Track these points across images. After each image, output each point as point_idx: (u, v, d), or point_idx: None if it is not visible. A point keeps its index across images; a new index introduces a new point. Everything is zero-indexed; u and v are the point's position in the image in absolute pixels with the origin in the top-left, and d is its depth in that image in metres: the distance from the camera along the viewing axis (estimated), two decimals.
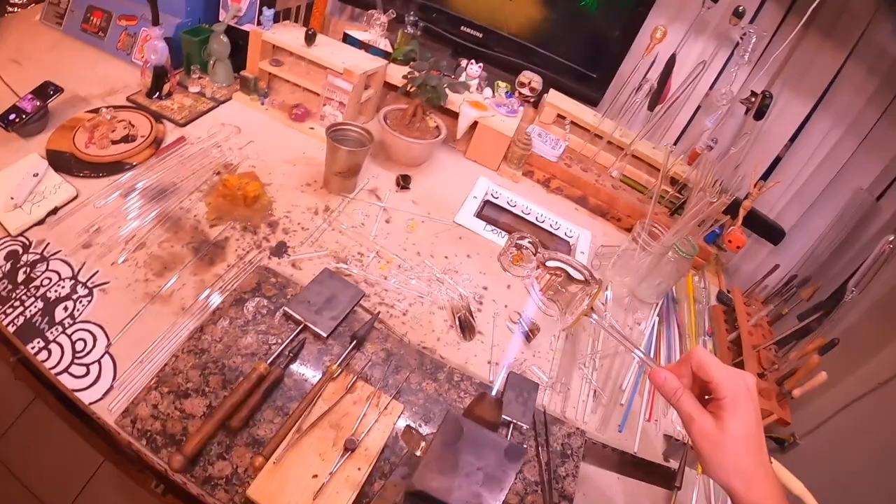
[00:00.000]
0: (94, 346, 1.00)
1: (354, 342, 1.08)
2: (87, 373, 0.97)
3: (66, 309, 1.04)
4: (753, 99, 1.58)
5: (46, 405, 1.29)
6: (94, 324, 1.03)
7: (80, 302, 1.05)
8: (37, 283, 1.06)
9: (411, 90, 1.53)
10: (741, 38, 1.56)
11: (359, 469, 0.92)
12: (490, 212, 1.64)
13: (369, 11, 1.80)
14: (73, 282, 1.08)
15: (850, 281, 1.24)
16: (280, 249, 1.25)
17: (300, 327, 1.09)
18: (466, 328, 1.22)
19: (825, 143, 1.72)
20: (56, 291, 1.06)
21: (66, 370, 0.97)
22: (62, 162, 1.28)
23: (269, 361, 1.01)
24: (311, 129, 1.61)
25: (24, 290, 1.04)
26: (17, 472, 1.84)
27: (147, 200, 1.26)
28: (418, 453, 0.84)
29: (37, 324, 1.01)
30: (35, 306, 1.03)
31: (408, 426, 0.95)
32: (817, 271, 1.67)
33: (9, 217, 1.12)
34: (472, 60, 1.74)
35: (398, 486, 0.87)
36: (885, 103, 1.62)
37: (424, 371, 1.12)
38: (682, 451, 1.16)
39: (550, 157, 1.71)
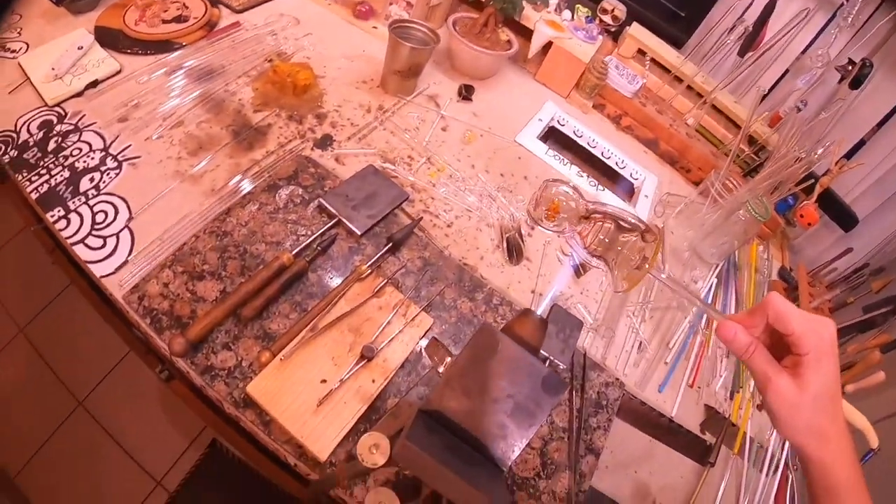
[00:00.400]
0: (114, 218, 0.94)
1: (390, 244, 0.97)
2: (104, 245, 0.91)
3: (91, 180, 0.98)
4: (850, 67, 1.39)
5: (79, 291, 1.24)
6: (119, 197, 0.96)
7: (108, 174, 0.99)
8: (66, 152, 1.00)
9: None
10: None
11: (373, 381, 0.81)
12: (554, 138, 1.50)
13: None
14: (103, 154, 1.02)
15: None
16: (325, 142, 1.15)
17: (333, 221, 0.98)
18: (514, 251, 1.09)
19: None
20: (85, 162, 1.00)
21: (82, 241, 0.91)
22: (109, 38, 1.21)
23: (294, 252, 0.90)
24: (374, 28, 1.50)
25: (53, 159, 0.99)
26: (46, 356, 1.88)
27: (191, 80, 1.18)
28: (441, 369, 0.71)
29: (60, 192, 0.95)
30: (61, 175, 0.97)
31: (434, 338, 0.82)
32: (891, 264, 1.49)
33: (48, 87, 1.07)
34: None
35: (414, 407, 0.74)
36: None
37: (462, 288, 1.00)
38: (722, 425, 1.06)
39: (626, 91, 1.55)
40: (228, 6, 1.39)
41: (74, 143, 1.02)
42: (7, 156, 0.97)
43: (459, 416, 0.57)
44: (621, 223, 0.69)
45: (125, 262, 0.89)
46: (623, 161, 1.47)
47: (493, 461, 0.58)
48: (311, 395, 0.77)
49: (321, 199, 1.00)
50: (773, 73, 1.62)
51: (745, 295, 1.36)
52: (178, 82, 1.16)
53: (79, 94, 1.08)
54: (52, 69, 1.08)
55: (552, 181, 0.95)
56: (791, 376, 0.51)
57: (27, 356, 1.87)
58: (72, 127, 1.04)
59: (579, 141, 1.48)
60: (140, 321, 0.83)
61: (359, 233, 0.98)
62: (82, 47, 1.13)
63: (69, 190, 0.96)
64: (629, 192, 1.45)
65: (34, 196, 0.94)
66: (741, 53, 1.54)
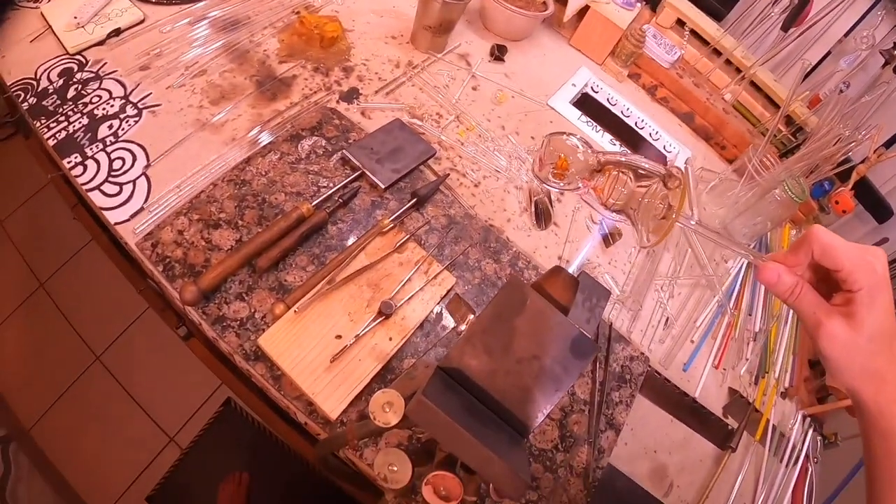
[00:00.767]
0: (132, 165, 0.92)
1: (415, 200, 0.93)
2: (120, 192, 0.89)
3: (110, 127, 0.96)
4: (895, 52, 1.32)
5: (100, 247, 1.23)
6: (137, 144, 0.94)
7: (127, 122, 0.97)
8: (86, 100, 0.98)
9: None
10: None
11: (390, 339, 0.78)
12: (587, 104, 1.45)
13: None
14: (123, 101, 0.99)
15: None
16: (351, 95, 1.12)
17: (356, 174, 0.95)
18: (543, 215, 1.06)
19: None
20: (104, 109, 0.98)
21: (98, 187, 0.89)
22: None
23: (314, 203, 0.87)
24: None
25: (72, 106, 0.97)
26: (65, 311, 1.89)
27: (216, 30, 1.15)
28: (463, 328, 0.67)
29: (78, 139, 0.93)
30: (80, 122, 0.95)
31: (457, 295, 0.78)
32: None
33: (70, 35, 1.05)
34: None
35: (432, 367, 0.71)
36: None
37: (487, 249, 0.97)
38: (745, 410, 1.03)
39: (663, 62, 1.49)
40: None
41: (94, 90, 1.00)
42: (26, 103, 0.95)
43: (480, 375, 0.54)
44: (639, 171, 0.64)
45: (140, 210, 0.87)
46: (657, 132, 1.43)
47: (513, 426, 0.55)
48: (325, 350, 0.75)
49: (345, 151, 0.97)
50: (815, 53, 1.55)
51: None
52: (202, 32, 1.13)
53: (101, 43, 1.06)
54: (75, 18, 1.06)
55: (555, 134, 0.81)
56: (843, 316, 0.47)
57: (47, 311, 1.89)
58: (92, 74, 1.02)
59: (612, 109, 1.43)
60: (153, 269, 0.81)
61: (382, 186, 0.95)
62: None
63: (87, 137, 0.94)
64: (662, 164, 1.39)
65: (52, 143, 0.92)
66: (784, 28, 1.46)
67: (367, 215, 0.93)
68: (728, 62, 1.54)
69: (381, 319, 0.78)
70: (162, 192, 0.89)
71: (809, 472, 1.04)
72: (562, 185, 0.80)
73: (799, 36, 1.46)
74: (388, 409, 0.57)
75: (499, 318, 0.54)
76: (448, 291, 0.87)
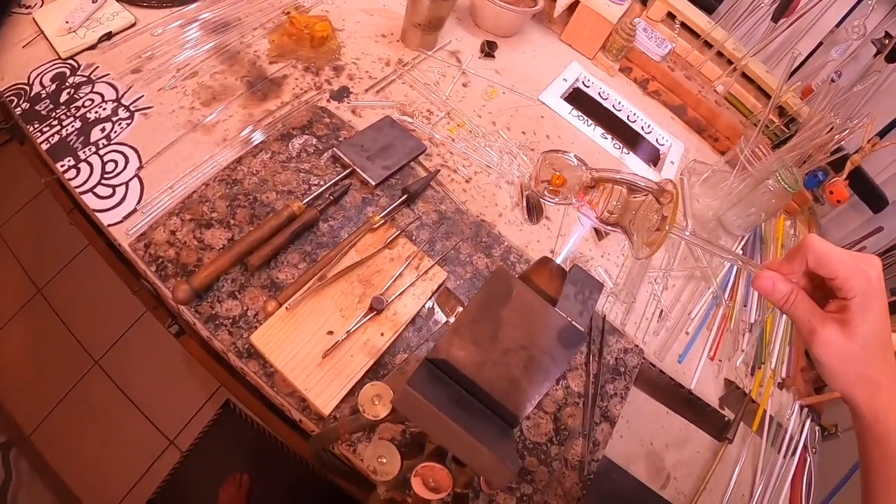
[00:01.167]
0: (124, 167, 0.92)
1: (405, 196, 0.93)
2: (113, 194, 0.89)
3: (103, 130, 0.96)
4: (887, 41, 1.32)
5: (97, 251, 1.23)
6: (129, 146, 0.94)
7: (119, 124, 0.97)
8: (78, 103, 0.99)
9: None
10: None
11: (381, 334, 0.78)
12: (578, 99, 1.45)
13: None
14: (115, 104, 1.00)
15: None
16: (341, 94, 1.12)
17: (347, 171, 0.95)
18: (534, 209, 1.06)
19: None
20: (96, 112, 0.98)
21: (91, 190, 0.89)
22: None
23: (305, 201, 0.87)
24: None
25: (65, 110, 0.97)
26: (63, 316, 1.90)
27: (207, 32, 1.15)
28: (452, 319, 0.67)
29: (71, 143, 0.94)
30: (72, 126, 0.96)
31: (446, 288, 0.78)
32: None
33: (61, 40, 1.05)
34: None
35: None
36: None
37: (478, 243, 0.97)
38: (741, 402, 1.03)
39: (654, 55, 1.50)
40: None
41: (87, 94, 1.00)
42: (19, 108, 0.95)
43: (468, 366, 0.54)
44: (632, 187, 0.64)
45: (134, 211, 0.88)
46: (649, 126, 1.43)
47: (502, 417, 0.55)
48: (317, 346, 0.75)
49: (335, 149, 0.97)
50: (806, 44, 1.55)
51: None
52: (193, 34, 1.14)
53: (92, 47, 1.07)
54: (66, 23, 1.06)
55: (550, 152, 0.77)
56: (838, 323, 0.47)
57: (44, 317, 1.89)
58: (84, 78, 1.02)
59: (604, 103, 1.44)
60: (146, 269, 0.82)
61: (373, 183, 0.95)
62: (97, 0, 1.11)
63: (80, 140, 0.94)
64: (654, 158, 1.40)
65: (45, 147, 0.92)
66: (775, 19, 1.46)
67: (357, 212, 0.93)
68: (719, 54, 1.54)
69: (372, 315, 0.79)
70: (154, 193, 0.89)
71: (808, 463, 1.04)
72: (557, 200, 0.82)
73: (790, 26, 1.45)
74: (377, 401, 0.58)
75: (486, 308, 0.54)
76: (439, 286, 0.87)
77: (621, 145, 1.32)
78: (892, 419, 0.48)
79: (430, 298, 0.85)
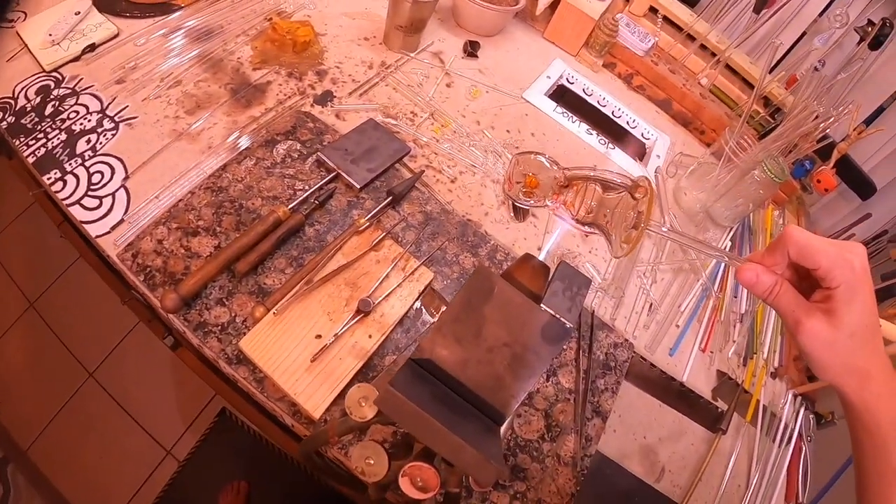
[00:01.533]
0: (111, 178, 0.92)
1: (391, 198, 0.94)
2: (100, 205, 0.89)
3: (88, 141, 0.96)
4: (870, 28, 1.32)
5: (88, 264, 1.23)
6: (115, 157, 0.95)
7: (105, 135, 0.97)
8: (63, 116, 0.99)
9: None
10: None
11: (369, 337, 0.78)
12: (563, 96, 1.46)
13: None
14: (100, 115, 1.00)
15: None
16: (325, 98, 1.12)
17: (332, 175, 0.96)
18: (520, 208, 1.05)
19: None
20: (81, 124, 0.98)
21: (78, 202, 0.89)
22: (107, 2, 1.18)
23: (290, 206, 0.87)
24: None
25: (50, 123, 0.98)
26: (56, 330, 1.89)
27: (190, 41, 1.15)
28: (436, 320, 0.67)
29: (57, 155, 0.94)
30: (58, 138, 0.96)
31: (431, 288, 0.78)
32: None
33: (45, 53, 1.05)
34: None
35: None
36: None
37: (464, 243, 0.98)
38: (734, 392, 1.03)
39: (637, 50, 1.50)
40: None
41: (71, 106, 1.00)
42: (4, 122, 0.95)
43: (452, 365, 0.54)
44: (607, 184, 0.64)
45: (121, 221, 0.88)
46: (634, 120, 1.43)
47: (488, 415, 0.55)
48: (306, 350, 0.75)
49: (319, 153, 0.97)
50: (789, 35, 1.56)
51: None
52: (176, 43, 1.14)
53: (76, 59, 1.07)
54: (50, 35, 1.06)
55: (522, 154, 0.77)
56: (823, 313, 0.47)
57: (37, 331, 1.89)
58: (69, 90, 1.02)
59: (589, 99, 1.44)
60: (134, 279, 0.82)
61: (358, 186, 0.95)
62: (79, 12, 1.11)
63: (66, 152, 0.94)
64: (640, 152, 1.40)
65: (31, 160, 0.92)
66: (756, 10, 1.47)
67: (343, 216, 0.93)
68: (703, 47, 1.54)
69: (359, 317, 0.79)
70: (141, 203, 0.90)
71: (803, 451, 1.04)
72: (532, 202, 0.82)
73: (771, 17, 1.46)
74: (364, 403, 0.58)
75: (468, 307, 0.54)
76: (426, 287, 0.87)
77: (607, 141, 1.32)
78: (883, 410, 0.48)
79: (417, 299, 0.85)
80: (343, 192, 0.96)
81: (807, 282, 0.49)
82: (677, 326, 1.08)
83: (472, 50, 1.34)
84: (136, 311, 1.16)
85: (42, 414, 1.74)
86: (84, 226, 0.87)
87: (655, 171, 1.33)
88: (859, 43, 1.37)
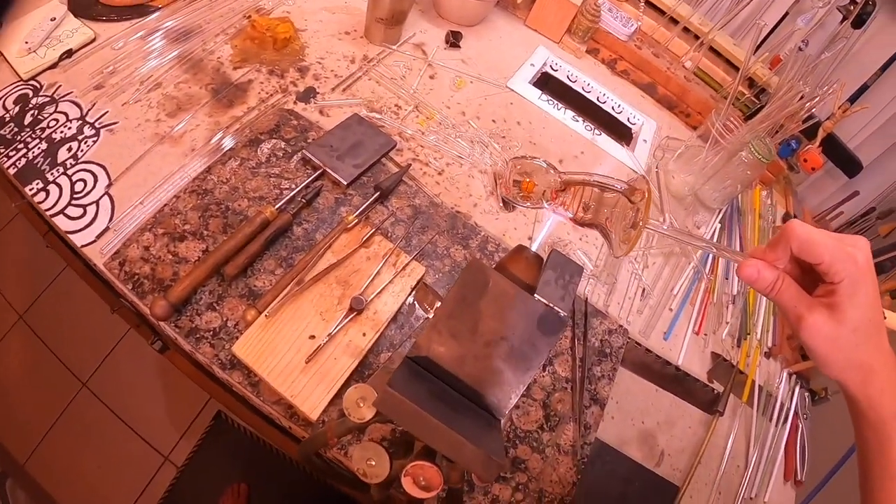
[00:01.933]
0: (94, 186, 0.91)
1: (378, 193, 0.93)
2: (84, 214, 0.88)
3: (69, 150, 0.95)
4: (852, 7, 1.33)
5: (76, 273, 1.22)
6: (97, 164, 0.93)
7: (86, 142, 0.96)
8: (43, 124, 0.97)
9: None
10: None
11: (363, 335, 0.78)
12: (547, 83, 1.45)
13: None
14: (80, 122, 0.98)
15: None
16: (308, 95, 1.11)
17: (318, 173, 0.95)
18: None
19: None
20: (62, 132, 0.97)
21: (62, 211, 0.88)
22: (83, 7, 1.16)
23: (277, 206, 0.87)
24: None
25: (30, 132, 0.96)
26: (47, 340, 1.88)
27: (169, 42, 1.13)
28: (431, 315, 0.67)
29: (38, 165, 0.93)
30: (39, 148, 0.94)
31: (423, 283, 0.77)
32: None
33: (22, 61, 1.04)
34: None
35: None
36: None
37: (455, 235, 0.97)
38: (729, 374, 1.04)
39: (620, 34, 1.49)
40: None
41: (51, 114, 0.99)
42: None
43: (449, 361, 0.53)
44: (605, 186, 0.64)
45: (106, 229, 0.86)
46: (620, 106, 1.42)
47: (488, 410, 0.55)
48: (300, 352, 0.74)
49: (304, 151, 0.96)
50: (772, 15, 1.56)
51: (750, 240, 1.33)
52: (155, 45, 1.12)
53: (53, 66, 1.05)
54: (26, 43, 1.04)
55: (518, 159, 0.83)
56: (826, 308, 0.46)
57: (28, 342, 1.87)
58: (48, 98, 1.00)
59: (573, 86, 1.43)
60: (122, 287, 0.81)
61: (345, 183, 0.94)
62: (55, 18, 1.09)
63: (47, 161, 0.93)
64: (626, 137, 1.40)
65: (12, 172, 0.91)
66: None
67: (331, 213, 0.92)
68: (686, 30, 1.54)
69: (353, 315, 0.78)
70: (126, 209, 0.88)
71: (800, 429, 1.05)
72: (529, 204, 0.81)
73: None
74: (362, 403, 0.57)
75: (463, 302, 0.54)
76: (418, 281, 0.87)
77: (593, 127, 1.32)
78: (887, 405, 0.48)
79: (409, 295, 0.85)
80: (330, 189, 0.95)
81: (810, 276, 0.49)
82: (671, 310, 1.08)
83: (454, 40, 1.33)
84: (124, 318, 1.15)
85: (38, 426, 1.73)
86: (69, 236, 0.86)
87: (657, 168, 1.33)
88: (842, 21, 1.37)
